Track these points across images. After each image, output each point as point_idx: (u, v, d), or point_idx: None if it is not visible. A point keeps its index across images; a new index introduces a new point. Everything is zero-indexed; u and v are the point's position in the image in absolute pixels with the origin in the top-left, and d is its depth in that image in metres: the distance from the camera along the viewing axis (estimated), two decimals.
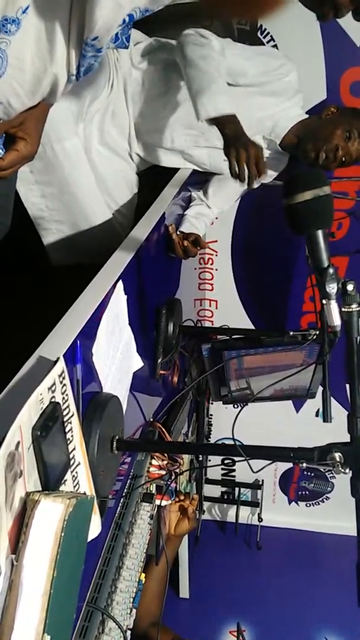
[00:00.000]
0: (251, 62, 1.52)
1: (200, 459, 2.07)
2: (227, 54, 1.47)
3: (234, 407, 1.96)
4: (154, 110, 1.55)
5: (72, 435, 0.74)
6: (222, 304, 2.27)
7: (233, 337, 1.58)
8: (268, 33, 1.77)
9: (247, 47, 1.58)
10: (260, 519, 2.50)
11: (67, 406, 0.72)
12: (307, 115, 1.62)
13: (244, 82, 1.52)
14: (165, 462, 1.22)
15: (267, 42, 1.77)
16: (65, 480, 0.72)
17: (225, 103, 1.30)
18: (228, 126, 1.29)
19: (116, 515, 1.09)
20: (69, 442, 0.73)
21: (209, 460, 2.38)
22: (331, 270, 0.88)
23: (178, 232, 1.50)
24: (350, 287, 0.87)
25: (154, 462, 1.21)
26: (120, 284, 0.97)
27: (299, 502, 2.67)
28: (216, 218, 1.81)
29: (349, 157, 1.53)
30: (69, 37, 0.71)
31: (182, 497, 1.50)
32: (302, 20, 1.66)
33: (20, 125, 0.92)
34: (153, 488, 1.22)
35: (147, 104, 1.55)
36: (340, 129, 1.52)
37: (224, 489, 2.66)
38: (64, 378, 0.70)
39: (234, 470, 2.60)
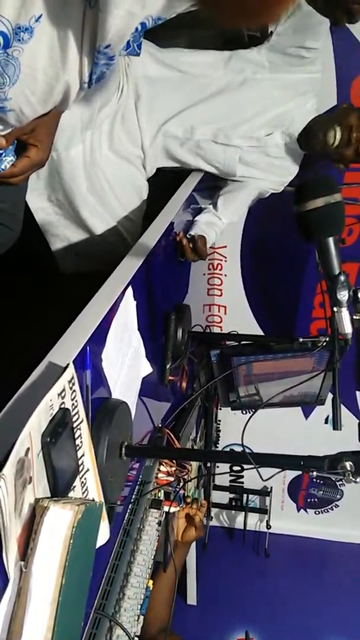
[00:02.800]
0: None
1: (209, 465, 2.06)
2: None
3: (242, 413, 1.96)
4: (165, 114, 1.55)
5: (81, 442, 0.74)
6: (231, 310, 2.26)
7: (242, 343, 1.58)
8: None
9: None
10: (268, 526, 2.48)
11: (77, 412, 0.72)
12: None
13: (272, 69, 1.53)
14: (173, 469, 1.21)
15: None
16: (74, 487, 0.72)
17: None
18: None
19: (124, 521, 1.08)
20: (78, 448, 0.73)
21: (217, 467, 2.37)
22: (342, 278, 0.87)
23: (188, 236, 1.50)
24: None
25: (162, 468, 1.21)
26: (129, 290, 0.97)
27: (307, 510, 2.65)
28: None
29: None
30: (81, 45, 0.72)
31: (189, 502, 1.49)
32: None
33: (32, 132, 0.92)
34: (161, 494, 1.22)
35: (159, 109, 1.55)
36: (354, 114, 1.51)
37: (232, 496, 2.65)
38: (73, 384, 0.70)
39: (242, 476, 2.58)
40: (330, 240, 0.89)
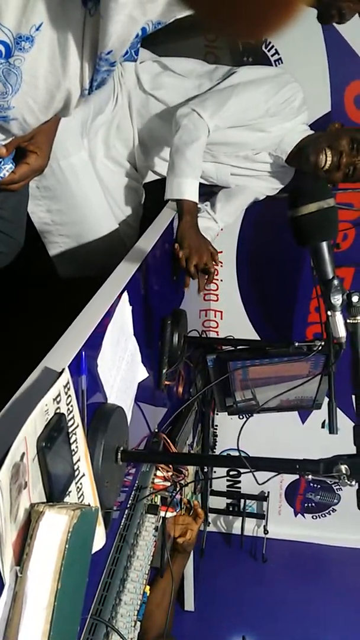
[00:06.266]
0: (255, 108, 1.50)
1: (206, 470, 2.06)
2: (229, 111, 1.46)
3: (239, 417, 1.95)
4: (159, 124, 1.56)
5: (76, 446, 0.74)
6: (227, 315, 2.27)
7: (238, 347, 1.58)
8: (272, 46, 1.78)
9: (248, 85, 1.52)
10: (266, 531, 2.47)
11: (72, 417, 0.72)
12: (312, 131, 1.62)
13: (250, 122, 1.53)
14: (170, 474, 1.21)
15: (272, 55, 1.79)
16: (70, 492, 0.72)
17: (190, 191, 1.40)
18: (186, 216, 1.38)
19: (121, 526, 1.08)
20: (73, 453, 0.73)
21: (214, 472, 2.36)
22: (336, 282, 0.88)
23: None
24: (355, 298, 0.88)
25: (158, 473, 1.21)
26: (125, 295, 0.98)
27: (305, 514, 2.64)
28: (221, 229, 1.82)
29: (354, 168, 1.52)
30: (82, 52, 0.72)
31: (186, 508, 1.49)
32: (306, 34, 1.67)
33: (31, 139, 0.93)
34: (158, 499, 1.22)
35: (153, 119, 1.57)
36: (345, 138, 1.51)
37: (229, 501, 2.64)
38: (69, 389, 0.70)
39: (239, 481, 2.58)
40: (324, 244, 0.90)
